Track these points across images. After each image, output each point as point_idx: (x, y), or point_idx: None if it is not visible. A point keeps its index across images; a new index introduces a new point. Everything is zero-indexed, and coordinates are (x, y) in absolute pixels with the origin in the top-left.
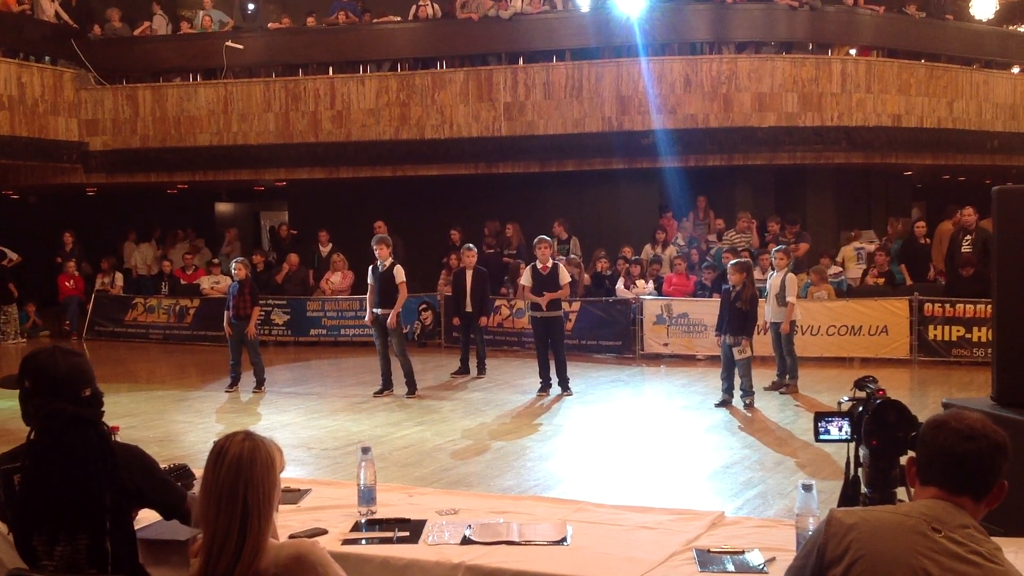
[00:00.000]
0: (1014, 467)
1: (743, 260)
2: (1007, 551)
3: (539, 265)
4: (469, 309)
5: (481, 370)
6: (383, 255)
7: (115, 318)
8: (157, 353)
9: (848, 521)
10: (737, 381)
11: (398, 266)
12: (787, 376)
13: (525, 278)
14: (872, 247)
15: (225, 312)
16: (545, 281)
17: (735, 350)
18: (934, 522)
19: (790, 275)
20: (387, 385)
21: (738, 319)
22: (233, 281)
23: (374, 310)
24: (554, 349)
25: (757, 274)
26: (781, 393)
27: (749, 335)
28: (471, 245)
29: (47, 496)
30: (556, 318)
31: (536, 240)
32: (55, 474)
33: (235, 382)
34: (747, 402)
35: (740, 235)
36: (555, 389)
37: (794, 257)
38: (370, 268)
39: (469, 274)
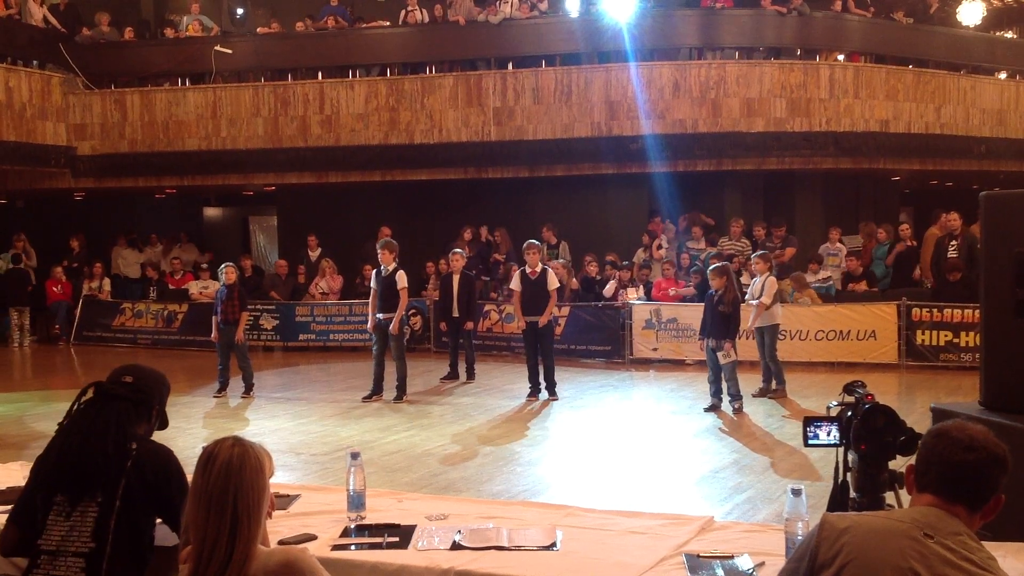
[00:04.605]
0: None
1: (722, 264)
2: (994, 554)
3: (528, 270)
4: (456, 314)
5: (470, 375)
6: (386, 260)
7: (103, 323)
8: (145, 358)
9: (841, 525)
10: (724, 386)
11: (400, 271)
12: (774, 382)
13: (514, 283)
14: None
15: (213, 317)
16: (534, 286)
17: (719, 354)
18: (927, 528)
19: (770, 279)
20: (377, 390)
21: (720, 323)
22: (222, 286)
23: (377, 315)
24: (543, 354)
25: (744, 279)
26: (769, 398)
27: (732, 339)
28: (458, 249)
29: (65, 453)
30: (545, 323)
31: (525, 245)
32: (77, 435)
33: (223, 387)
34: (735, 407)
35: (731, 242)
36: (544, 394)
37: (778, 263)
38: (373, 272)
39: (456, 279)
